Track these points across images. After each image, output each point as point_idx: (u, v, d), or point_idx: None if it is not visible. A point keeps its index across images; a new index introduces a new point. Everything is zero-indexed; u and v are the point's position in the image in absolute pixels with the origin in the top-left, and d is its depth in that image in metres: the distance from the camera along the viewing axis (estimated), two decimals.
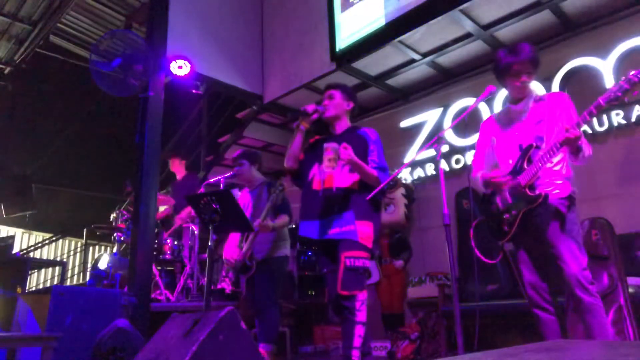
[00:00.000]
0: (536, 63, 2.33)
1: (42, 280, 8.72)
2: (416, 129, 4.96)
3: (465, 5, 3.76)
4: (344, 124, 2.83)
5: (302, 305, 4.92)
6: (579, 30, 4.02)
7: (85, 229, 8.05)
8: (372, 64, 4.68)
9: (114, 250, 4.96)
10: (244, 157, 3.69)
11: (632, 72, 1.97)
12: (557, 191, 2.25)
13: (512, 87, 2.38)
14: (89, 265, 7.70)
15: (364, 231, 2.54)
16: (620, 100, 2.00)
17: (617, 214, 3.32)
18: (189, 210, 4.47)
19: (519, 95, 2.40)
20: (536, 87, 3.87)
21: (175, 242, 4.53)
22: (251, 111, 5.68)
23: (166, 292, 4.35)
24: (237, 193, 3.81)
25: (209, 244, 2.66)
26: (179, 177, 5.06)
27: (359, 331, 2.45)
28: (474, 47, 4.35)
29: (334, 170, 2.64)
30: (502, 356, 1.06)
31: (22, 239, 8.86)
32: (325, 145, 2.61)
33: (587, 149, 2.17)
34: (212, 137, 6.45)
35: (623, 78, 1.99)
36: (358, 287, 2.47)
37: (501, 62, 2.36)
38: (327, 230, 2.58)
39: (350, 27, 4.64)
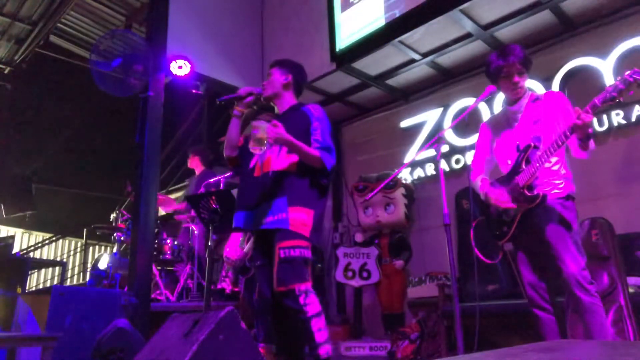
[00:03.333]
0: (527, 63, 2.35)
1: (42, 280, 8.72)
2: (416, 129, 4.95)
3: (465, 5, 3.75)
4: (286, 101, 2.57)
5: None
6: (579, 30, 4.02)
7: (85, 229, 8.06)
8: (372, 64, 4.67)
9: (114, 250, 4.95)
10: None
11: (628, 72, 1.97)
12: (555, 191, 2.25)
13: (506, 88, 2.40)
14: (89, 265, 7.70)
15: (298, 218, 2.24)
16: (615, 100, 2.00)
17: (617, 214, 3.32)
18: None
19: (514, 97, 2.42)
20: (536, 87, 3.88)
21: (176, 242, 4.54)
22: (251, 111, 5.68)
23: (166, 292, 4.35)
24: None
25: (209, 243, 2.66)
26: (197, 173, 5.09)
27: (317, 324, 2.13)
28: (474, 47, 4.35)
29: (271, 153, 2.38)
30: (502, 356, 1.06)
31: (22, 239, 8.87)
32: (252, 123, 2.33)
33: (592, 141, 2.17)
34: (212, 137, 6.45)
35: (619, 78, 2.00)
36: (296, 280, 2.15)
37: (492, 66, 2.40)
38: (261, 219, 2.30)
39: (350, 27, 4.64)
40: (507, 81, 2.36)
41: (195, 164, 5.10)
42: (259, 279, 2.37)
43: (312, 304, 2.15)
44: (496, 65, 2.37)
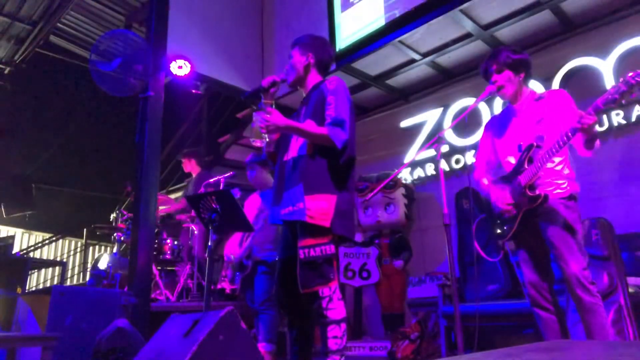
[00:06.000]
0: (506, 62, 2.38)
1: (42, 280, 8.72)
2: (416, 129, 4.95)
3: (465, 5, 3.75)
4: (310, 82, 2.36)
5: None
6: (579, 30, 4.02)
7: (85, 229, 8.06)
8: (372, 64, 4.67)
9: (114, 250, 4.95)
10: (256, 161, 3.70)
11: (630, 74, 1.96)
12: (558, 191, 2.25)
13: (494, 89, 2.42)
14: (89, 265, 7.70)
15: (316, 207, 2.05)
16: (618, 102, 1.99)
17: (618, 214, 3.32)
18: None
19: (506, 97, 2.45)
20: (536, 87, 3.88)
21: (176, 242, 4.54)
22: (251, 111, 5.68)
23: (166, 292, 4.35)
24: (237, 193, 3.81)
25: (209, 244, 2.66)
26: (194, 175, 5.10)
27: (333, 332, 2.02)
28: (474, 47, 4.35)
29: (291, 139, 2.26)
30: (502, 356, 1.06)
31: (22, 239, 8.86)
32: (253, 115, 2.18)
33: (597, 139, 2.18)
34: (212, 137, 6.45)
35: (621, 80, 1.98)
36: (320, 282, 2.03)
37: (481, 69, 2.48)
38: (281, 210, 2.18)
39: (350, 27, 4.64)
40: (490, 82, 2.41)
41: (191, 167, 5.09)
42: (277, 274, 2.26)
43: (334, 310, 2.03)
44: (482, 68, 2.46)
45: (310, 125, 2.15)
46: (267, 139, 2.20)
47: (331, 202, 2.08)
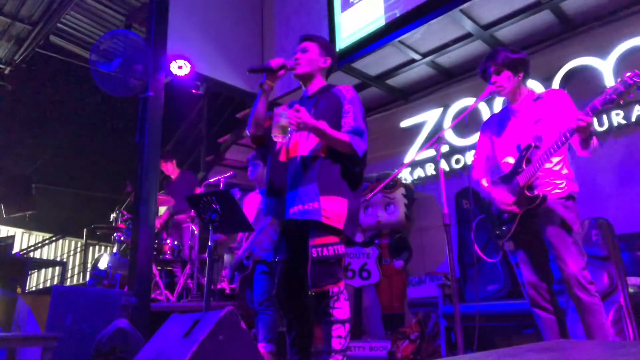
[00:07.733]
0: (505, 62, 2.37)
1: (42, 280, 8.73)
2: (416, 129, 4.95)
3: (465, 5, 3.75)
4: (317, 83, 2.37)
5: None
6: (579, 30, 4.02)
7: (85, 229, 8.08)
8: (372, 64, 4.67)
9: (114, 250, 4.96)
10: (259, 157, 3.69)
11: (628, 74, 1.96)
12: (556, 191, 2.25)
13: (494, 89, 2.42)
14: (89, 265, 7.71)
15: (332, 209, 2.08)
16: (616, 102, 1.99)
17: (617, 214, 3.32)
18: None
19: (506, 97, 2.44)
20: (536, 87, 3.88)
21: (175, 242, 4.54)
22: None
23: (166, 292, 4.36)
24: (237, 193, 3.81)
25: (209, 244, 2.66)
26: (173, 177, 5.09)
27: (338, 331, 2.03)
28: (474, 47, 4.35)
29: (299, 136, 2.23)
30: (502, 356, 1.06)
31: (22, 239, 8.87)
32: (275, 109, 2.16)
33: (594, 139, 2.17)
34: (212, 137, 6.45)
35: (619, 80, 1.98)
36: (330, 281, 2.04)
37: (479, 71, 2.47)
38: (289, 208, 2.16)
39: (350, 27, 4.64)
40: (490, 83, 2.41)
41: (170, 169, 5.09)
42: (279, 274, 2.25)
43: (340, 309, 2.04)
44: (480, 68, 2.46)
45: (332, 130, 2.15)
46: (290, 135, 2.16)
47: (344, 204, 2.12)
